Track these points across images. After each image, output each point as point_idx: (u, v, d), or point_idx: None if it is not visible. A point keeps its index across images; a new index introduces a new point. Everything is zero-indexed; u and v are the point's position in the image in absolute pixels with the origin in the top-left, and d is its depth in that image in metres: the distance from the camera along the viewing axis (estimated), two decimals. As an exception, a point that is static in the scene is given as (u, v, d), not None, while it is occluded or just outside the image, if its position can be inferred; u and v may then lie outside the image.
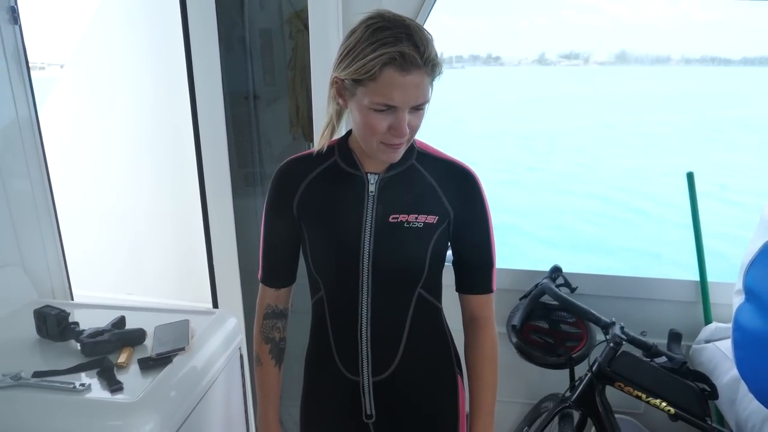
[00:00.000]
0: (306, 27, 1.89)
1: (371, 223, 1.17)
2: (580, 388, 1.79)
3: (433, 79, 1.07)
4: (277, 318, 1.30)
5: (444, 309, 1.30)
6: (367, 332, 1.21)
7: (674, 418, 1.66)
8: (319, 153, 1.22)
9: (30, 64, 1.72)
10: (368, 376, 1.23)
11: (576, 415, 1.82)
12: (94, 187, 2.59)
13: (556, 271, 2.05)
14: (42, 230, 1.73)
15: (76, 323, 1.39)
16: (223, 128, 2.10)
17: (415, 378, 1.25)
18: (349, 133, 1.23)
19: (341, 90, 1.10)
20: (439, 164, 1.22)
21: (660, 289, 2.13)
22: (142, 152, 2.63)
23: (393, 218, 1.17)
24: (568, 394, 1.86)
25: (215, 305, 2.23)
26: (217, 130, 2.11)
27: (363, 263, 1.18)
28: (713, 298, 2.06)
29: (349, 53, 1.04)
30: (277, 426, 1.30)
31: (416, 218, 1.17)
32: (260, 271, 1.31)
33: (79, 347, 1.32)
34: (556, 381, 1.97)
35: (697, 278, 2.07)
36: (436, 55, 1.05)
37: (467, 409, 1.32)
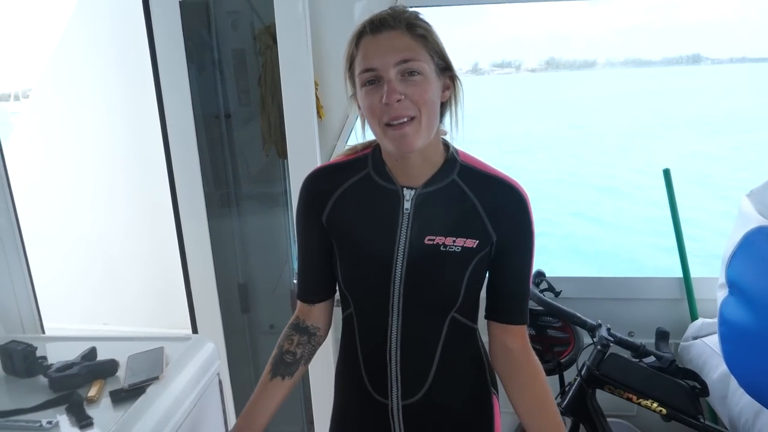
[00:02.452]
0: (275, 41, 1.86)
1: (405, 244, 1.10)
2: (570, 394, 1.76)
3: (424, 42, 1.02)
4: (297, 331, 1.22)
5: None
6: (396, 355, 1.14)
7: (667, 418, 1.64)
8: (350, 163, 1.16)
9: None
10: (398, 399, 1.16)
11: (568, 422, 1.79)
12: (65, 214, 2.54)
13: (539, 275, 2.02)
14: (9, 263, 1.67)
15: (44, 357, 1.33)
16: (195, 149, 2.07)
17: (448, 401, 1.18)
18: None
19: (357, 101, 1.08)
20: (484, 181, 1.12)
21: (644, 288, 2.13)
22: (113, 176, 2.58)
23: (429, 240, 1.09)
24: (558, 400, 1.83)
25: (194, 330, 2.18)
26: (189, 151, 2.07)
27: (394, 285, 1.11)
28: (698, 293, 2.06)
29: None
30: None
31: (454, 242, 1.09)
32: (296, 287, 1.25)
33: (47, 382, 1.26)
34: (547, 388, 1.95)
35: (681, 275, 2.07)
36: (416, 16, 1.03)
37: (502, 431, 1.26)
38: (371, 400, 1.18)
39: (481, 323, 1.21)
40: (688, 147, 17.80)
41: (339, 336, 1.23)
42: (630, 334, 1.80)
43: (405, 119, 1.00)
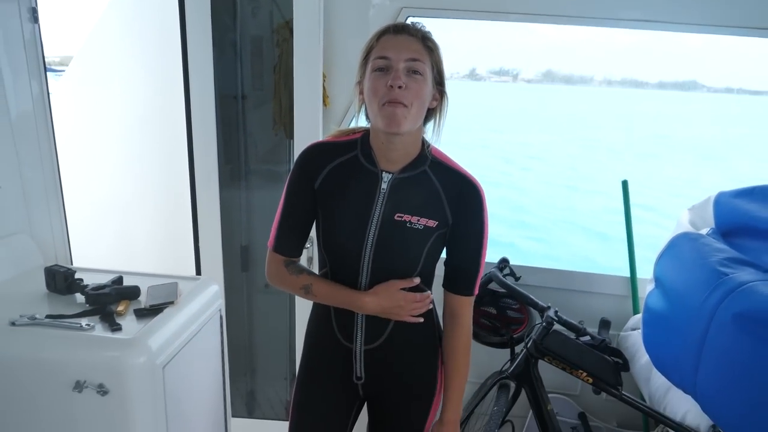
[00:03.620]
0: (292, 35, 2.14)
1: (378, 218, 1.32)
2: (516, 362, 2.05)
3: (430, 54, 1.27)
4: (293, 263, 1.44)
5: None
6: None
7: (594, 388, 1.92)
8: (343, 144, 1.37)
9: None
10: (361, 344, 1.41)
11: (512, 385, 2.08)
12: (91, 177, 2.81)
13: (503, 262, 2.31)
14: (49, 205, 1.95)
15: (81, 279, 1.62)
16: (213, 126, 2.34)
17: (401, 349, 1.43)
18: (368, 131, 1.37)
19: (361, 88, 1.32)
20: (449, 174, 1.35)
21: (595, 282, 2.41)
22: (137, 147, 2.85)
23: (398, 216, 1.32)
24: (506, 367, 2.12)
25: (199, 278, 2.47)
26: (208, 128, 2.34)
27: (366, 250, 1.33)
28: (641, 292, 2.33)
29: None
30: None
31: (418, 220, 1.32)
32: (272, 240, 1.41)
33: (83, 299, 1.56)
34: (502, 362, 2.22)
35: (628, 274, 2.35)
36: (430, 34, 1.29)
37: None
38: (339, 344, 1.44)
39: (435, 291, 1.47)
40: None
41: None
42: (580, 322, 2.06)
43: (400, 104, 1.23)
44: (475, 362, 2.45)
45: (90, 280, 1.66)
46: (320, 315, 1.47)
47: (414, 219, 1.32)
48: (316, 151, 1.39)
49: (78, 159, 2.79)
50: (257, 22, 2.44)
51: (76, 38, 2.85)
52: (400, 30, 1.28)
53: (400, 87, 1.23)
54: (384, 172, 1.34)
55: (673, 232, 2.01)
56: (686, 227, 1.92)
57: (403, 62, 1.24)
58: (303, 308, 2.30)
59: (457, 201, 1.34)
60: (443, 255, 1.45)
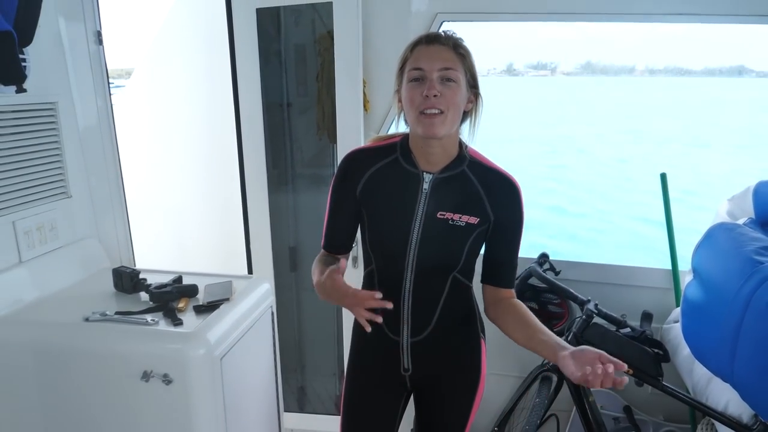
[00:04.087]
0: (333, 44, 2.24)
1: (422, 216, 1.38)
2: (557, 355, 2.09)
3: (462, 60, 1.32)
4: (325, 257, 1.50)
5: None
6: (408, 302, 1.44)
7: (636, 379, 1.95)
8: (383, 148, 1.44)
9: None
10: (407, 337, 1.47)
11: (554, 378, 2.12)
12: (151, 183, 2.99)
13: (543, 257, 2.35)
14: (114, 212, 2.12)
15: (145, 279, 1.77)
16: (261, 133, 2.47)
17: (446, 339, 1.49)
18: (407, 135, 1.44)
19: (399, 96, 1.38)
20: (487, 173, 1.40)
21: (637, 276, 2.41)
22: (192, 154, 3.02)
23: (441, 215, 1.38)
24: (547, 360, 2.16)
25: (251, 280, 2.60)
26: (257, 135, 2.47)
27: (410, 248, 1.40)
28: (683, 284, 2.33)
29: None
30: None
31: (460, 218, 1.37)
32: (323, 239, 1.51)
33: (147, 297, 1.70)
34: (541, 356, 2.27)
35: (670, 267, 2.36)
36: (461, 41, 1.34)
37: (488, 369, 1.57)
38: (386, 338, 1.50)
39: (476, 285, 1.53)
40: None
41: None
42: (623, 316, 2.08)
43: (436, 111, 1.30)
44: (518, 357, 2.54)
45: (153, 279, 1.80)
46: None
47: (456, 216, 1.38)
48: (356, 157, 1.46)
49: (139, 167, 2.98)
50: (300, 31, 2.54)
51: (135, 52, 3.04)
52: (432, 40, 1.34)
53: (435, 96, 1.30)
54: (425, 173, 1.40)
55: (711, 223, 2.01)
56: (723, 218, 1.93)
57: (437, 72, 1.31)
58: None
59: (496, 198, 1.39)
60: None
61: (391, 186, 1.42)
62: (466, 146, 1.46)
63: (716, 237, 1.79)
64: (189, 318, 1.60)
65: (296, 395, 2.84)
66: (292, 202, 2.72)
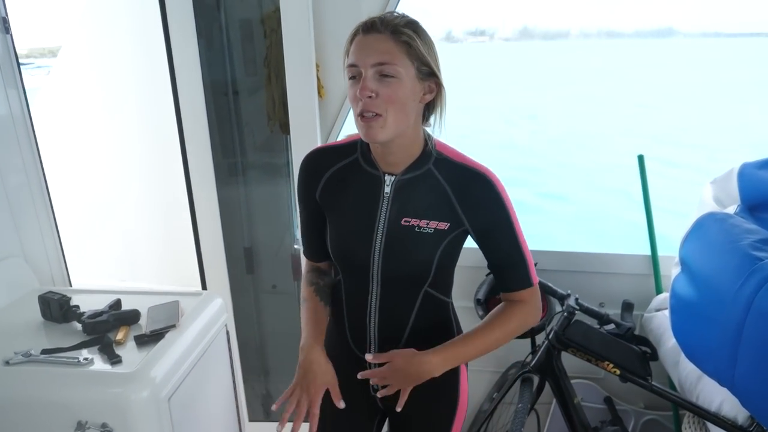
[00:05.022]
0: (280, 25, 2.01)
1: (384, 223, 1.24)
2: (538, 355, 1.97)
3: (407, 49, 1.13)
4: (319, 272, 1.43)
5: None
6: (375, 319, 1.32)
7: (622, 379, 1.84)
8: (343, 147, 1.31)
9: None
10: None
11: (535, 379, 2.00)
12: (84, 180, 2.71)
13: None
14: (40, 222, 1.86)
15: (77, 306, 1.54)
16: (204, 119, 2.23)
17: None
18: None
19: None
20: (456, 170, 1.23)
21: (615, 263, 2.31)
22: (127, 145, 2.74)
23: (405, 221, 1.23)
24: (528, 360, 2.04)
25: (204, 288, 2.39)
26: (199, 122, 2.23)
27: (374, 259, 1.26)
28: (663, 270, 2.23)
29: None
30: (322, 352, 1.30)
31: (428, 224, 1.22)
32: (303, 246, 1.44)
33: (80, 327, 1.47)
34: (521, 350, 2.15)
35: (649, 252, 2.25)
36: (405, 23, 1.14)
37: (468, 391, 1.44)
38: (353, 355, 1.38)
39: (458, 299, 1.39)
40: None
41: None
42: (601, 304, 1.97)
43: (372, 114, 1.14)
44: (495, 352, 2.42)
45: (88, 303, 1.58)
46: (337, 318, 1.41)
47: (423, 223, 1.23)
48: (313, 157, 1.34)
49: (68, 165, 2.69)
50: (245, 4, 2.29)
51: (61, 28, 2.71)
52: (368, 28, 1.15)
53: (369, 97, 1.13)
54: (386, 175, 1.25)
55: (696, 210, 1.90)
56: (711, 205, 1.81)
57: (371, 68, 1.13)
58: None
59: (468, 199, 1.22)
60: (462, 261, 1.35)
61: (350, 190, 1.29)
62: (433, 141, 1.28)
63: (707, 228, 1.67)
64: (129, 352, 1.38)
65: (261, 401, 2.66)
66: (244, 195, 2.50)
